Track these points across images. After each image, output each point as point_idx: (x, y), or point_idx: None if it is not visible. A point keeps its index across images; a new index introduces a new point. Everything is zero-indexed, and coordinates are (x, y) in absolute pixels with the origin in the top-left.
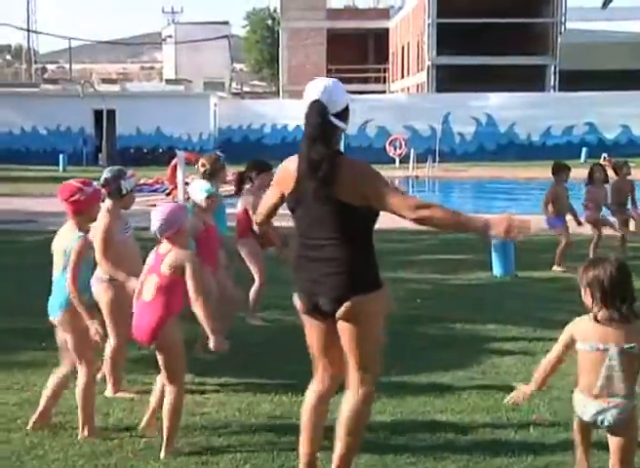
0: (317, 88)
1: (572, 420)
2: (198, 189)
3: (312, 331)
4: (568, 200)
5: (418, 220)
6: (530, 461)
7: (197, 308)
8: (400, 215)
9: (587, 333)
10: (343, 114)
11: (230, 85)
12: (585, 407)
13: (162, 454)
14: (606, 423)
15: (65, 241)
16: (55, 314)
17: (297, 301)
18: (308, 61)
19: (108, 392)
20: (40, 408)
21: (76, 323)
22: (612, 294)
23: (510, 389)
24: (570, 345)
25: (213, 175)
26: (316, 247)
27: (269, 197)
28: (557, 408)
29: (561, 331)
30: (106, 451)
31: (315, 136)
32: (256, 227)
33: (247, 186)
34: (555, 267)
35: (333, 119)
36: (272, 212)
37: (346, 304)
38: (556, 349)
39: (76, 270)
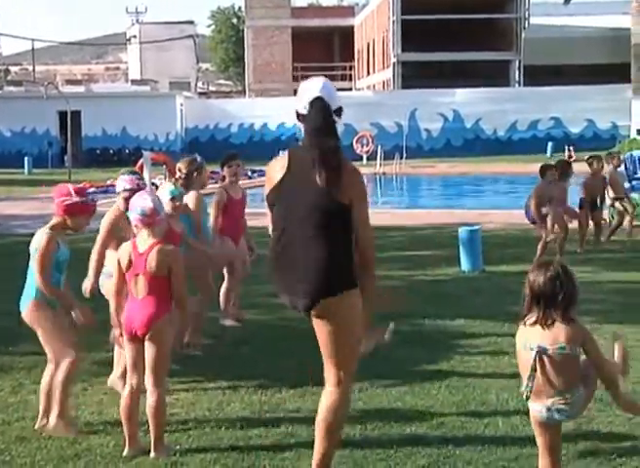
0: (316, 86)
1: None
2: (164, 193)
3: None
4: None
5: (368, 252)
6: (499, 454)
7: (181, 305)
8: (362, 236)
9: (521, 336)
10: (339, 111)
11: (196, 84)
12: (533, 408)
13: (152, 455)
14: (556, 419)
15: (35, 239)
16: (23, 310)
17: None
18: (274, 60)
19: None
20: (41, 407)
21: (42, 317)
22: (541, 298)
23: (480, 384)
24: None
25: (188, 178)
26: (298, 244)
27: (269, 208)
28: (524, 401)
29: None
30: (74, 455)
31: (325, 129)
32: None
33: (217, 184)
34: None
35: (333, 115)
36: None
37: (323, 302)
38: None
39: (43, 264)
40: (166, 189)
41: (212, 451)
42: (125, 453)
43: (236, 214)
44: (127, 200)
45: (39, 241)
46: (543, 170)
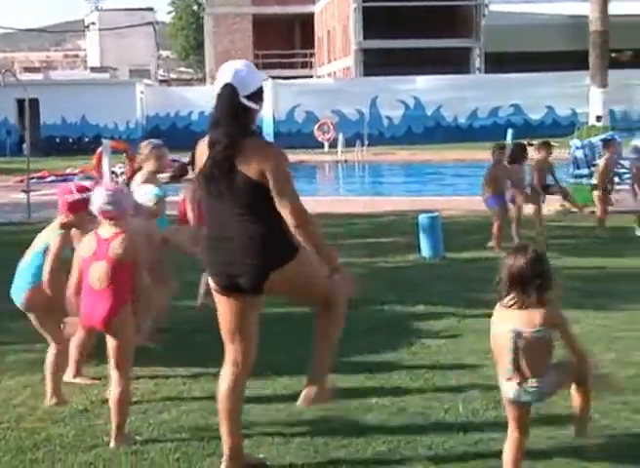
0: (228, 71)
1: (500, 399)
2: (147, 193)
3: (228, 310)
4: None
5: (292, 221)
6: (460, 439)
7: (145, 295)
8: (282, 208)
9: (497, 318)
10: (256, 96)
11: (157, 72)
12: (504, 388)
13: (112, 444)
14: (525, 401)
15: (44, 236)
16: (19, 299)
17: (211, 282)
18: (234, 47)
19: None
20: (48, 387)
21: (38, 304)
22: (514, 282)
23: (441, 369)
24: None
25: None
26: (228, 225)
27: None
28: (487, 386)
29: (489, 310)
30: (33, 446)
31: (221, 117)
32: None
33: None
34: (491, 243)
35: (244, 100)
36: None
37: (269, 280)
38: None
39: (54, 265)
40: (150, 191)
41: (172, 440)
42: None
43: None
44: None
45: (52, 240)
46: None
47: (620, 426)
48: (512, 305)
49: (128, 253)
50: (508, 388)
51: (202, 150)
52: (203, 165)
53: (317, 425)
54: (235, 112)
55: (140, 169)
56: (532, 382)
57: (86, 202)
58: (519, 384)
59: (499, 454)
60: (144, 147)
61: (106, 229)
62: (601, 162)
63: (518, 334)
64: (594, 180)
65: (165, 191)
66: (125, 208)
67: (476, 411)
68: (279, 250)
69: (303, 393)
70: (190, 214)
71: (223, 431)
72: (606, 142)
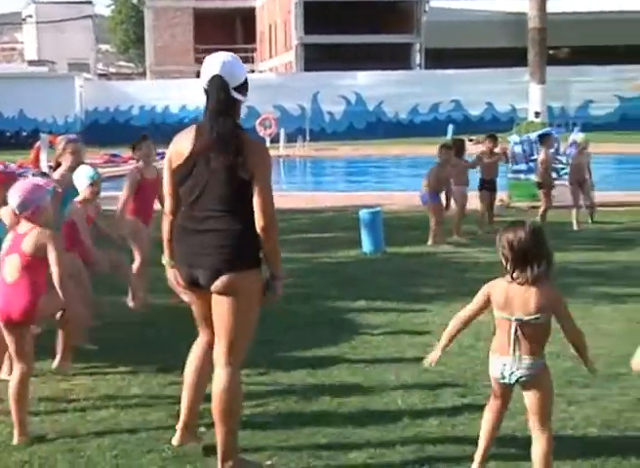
0: (216, 63)
1: (438, 391)
2: (82, 176)
3: (195, 301)
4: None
5: (262, 220)
6: (399, 433)
7: (60, 289)
8: (257, 205)
9: (501, 299)
10: (243, 87)
11: (96, 66)
12: (498, 364)
13: (15, 440)
14: (515, 378)
15: None
16: None
17: (177, 274)
18: (175, 42)
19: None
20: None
21: None
22: (519, 257)
23: (380, 363)
24: (484, 307)
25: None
26: (204, 219)
27: (167, 183)
28: (426, 380)
29: (429, 305)
30: None
31: (221, 111)
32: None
33: (131, 166)
34: (430, 242)
35: (234, 93)
36: (177, 196)
37: (223, 279)
38: (470, 309)
39: None
40: (84, 173)
41: (110, 437)
42: (15, 442)
43: (149, 195)
44: None
45: None
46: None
47: (557, 417)
48: (519, 281)
49: (39, 247)
50: (503, 363)
51: (183, 143)
52: (187, 158)
53: (256, 420)
54: (228, 105)
55: (59, 165)
56: (527, 359)
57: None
58: (506, 363)
59: (437, 446)
60: (59, 142)
61: (23, 225)
62: (540, 157)
63: (520, 321)
64: (537, 178)
65: (99, 174)
66: (38, 204)
67: (414, 405)
68: (244, 252)
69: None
70: (121, 206)
71: (184, 403)
72: (542, 137)
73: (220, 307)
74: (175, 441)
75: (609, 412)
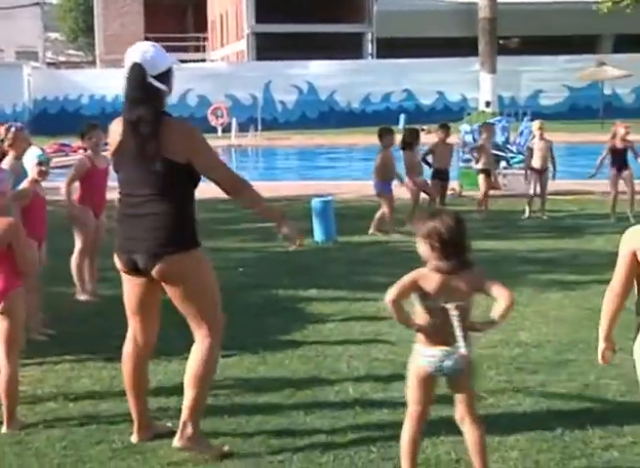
0: (136, 51)
1: (389, 380)
2: (30, 157)
3: (131, 289)
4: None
5: (230, 191)
6: (349, 421)
7: (26, 279)
8: (214, 181)
9: (431, 287)
10: (165, 77)
11: (44, 54)
12: (428, 355)
13: (4, 430)
14: (449, 369)
15: None
16: None
17: (116, 260)
18: (125, 30)
19: None
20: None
21: None
22: (449, 245)
23: (332, 352)
24: (410, 290)
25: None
26: (138, 204)
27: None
28: (377, 368)
29: (380, 293)
30: None
31: (134, 98)
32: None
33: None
34: (371, 230)
35: (153, 81)
36: None
37: (162, 261)
38: (398, 289)
39: None
40: (32, 154)
41: (59, 428)
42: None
43: (99, 185)
44: None
45: None
46: (380, 134)
47: (505, 404)
48: (448, 269)
49: (1, 239)
50: (434, 354)
51: (116, 131)
52: (118, 145)
53: (209, 407)
54: (146, 92)
55: (4, 154)
56: (459, 347)
57: None
58: (447, 349)
59: (388, 434)
60: (3, 132)
61: None
62: (478, 144)
63: (459, 307)
64: (479, 165)
65: (47, 156)
66: None
67: (365, 393)
68: (179, 236)
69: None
70: (66, 188)
71: (131, 405)
72: (482, 126)
73: (173, 293)
74: (133, 438)
75: (556, 398)
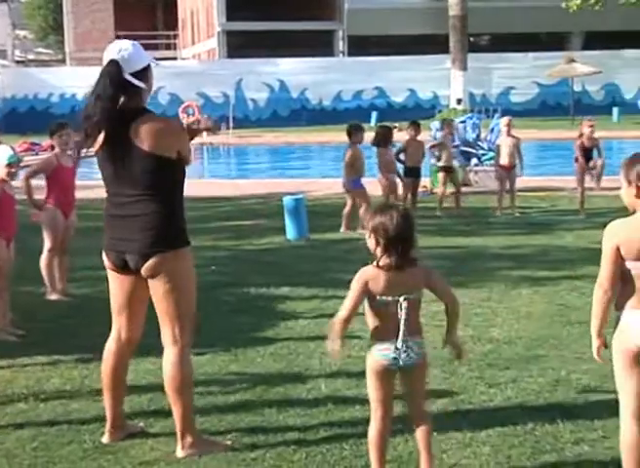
0: (114, 49)
1: (361, 377)
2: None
3: (118, 287)
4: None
5: None
6: (322, 418)
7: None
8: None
9: (378, 285)
10: (142, 74)
11: (14, 53)
12: (382, 349)
13: None
14: (404, 360)
15: None
16: None
17: (104, 259)
18: (95, 28)
19: None
20: None
21: None
22: (395, 241)
23: (304, 350)
24: (363, 299)
25: None
26: (127, 204)
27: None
28: (350, 365)
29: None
30: None
31: (107, 95)
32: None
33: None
34: (342, 229)
35: (129, 77)
36: None
37: (152, 260)
38: (350, 306)
39: None
40: (3, 154)
41: (30, 428)
42: None
43: (66, 184)
44: None
45: None
46: (349, 131)
47: (477, 400)
48: (390, 266)
49: None
50: (389, 348)
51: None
52: (102, 143)
53: None
54: (120, 88)
55: None
56: (414, 340)
57: None
58: (400, 348)
59: (361, 431)
60: None
61: None
62: (438, 141)
63: (406, 300)
64: (440, 163)
65: (18, 157)
66: None
67: (338, 390)
68: (169, 233)
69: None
70: (24, 179)
71: (107, 404)
72: (443, 122)
73: (155, 290)
74: (105, 439)
75: (528, 394)
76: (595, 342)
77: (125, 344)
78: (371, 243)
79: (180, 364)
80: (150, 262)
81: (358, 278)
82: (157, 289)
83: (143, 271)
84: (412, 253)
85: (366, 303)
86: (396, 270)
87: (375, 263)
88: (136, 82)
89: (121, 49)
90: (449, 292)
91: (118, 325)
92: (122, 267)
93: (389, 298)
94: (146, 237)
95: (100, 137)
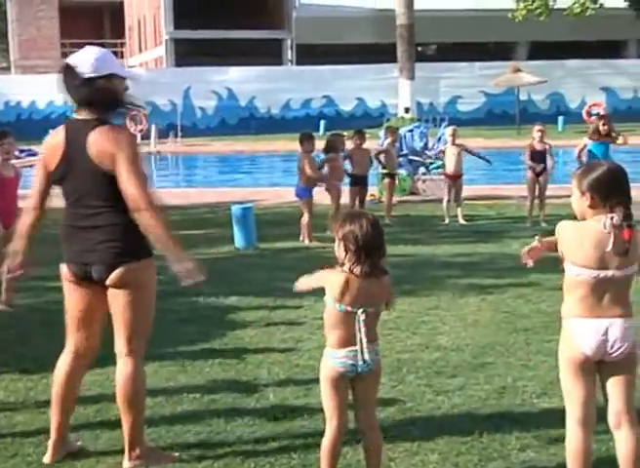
0: (80, 55)
1: (310, 386)
2: None
3: (78, 299)
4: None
5: (138, 213)
6: (270, 428)
7: None
8: (126, 195)
9: (338, 290)
10: (107, 82)
11: None
12: (339, 356)
13: None
14: (361, 367)
15: None
16: None
17: (64, 270)
18: (40, 35)
19: None
20: None
21: None
22: (365, 249)
23: (252, 359)
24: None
25: None
26: (88, 216)
27: (38, 179)
28: (297, 375)
29: (301, 300)
30: None
31: (79, 101)
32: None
33: None
34: (307, 242)
35: (91, 84)
36: (45, 193)
37: (118, 271)
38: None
39: None
40: None
41: None
42: None
43: (8, 194)
44: None
45: None
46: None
47: (425, 408)
48: (362, 273)
49: None
50: (346, 355)
51: (53, 142)
52: (62, 155)
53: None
54: (84, 94)
55: None
56: (372, 345)
57: None
58: (359, 355)
59: (309, 440)
60: None
61: None
62: (383, 148)
63: (365, 313)
64: (385, 170)
65: None
66: None
67: (286, 399)
68: (133, 244)
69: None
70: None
71: (54, 419)
72: (387, 129)
73: (117, 300)
74: (46, 459)
75: (475, 401)
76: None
77: (81, 357)
78: (339, 251)
79: (135, 375)
80: (116, 273)
81: (321, 276)
82: (119, 299)
83: (109, 282)
84: (381, 261)
85: (326, 309)
86: (364, 279)
87: (343, 269)
88: (97, 88)
89: (87, 54)
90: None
91: (75, 337)
92: (83, 279)
93: (349, 308)
94: (111, 248)
95: (60, 149)
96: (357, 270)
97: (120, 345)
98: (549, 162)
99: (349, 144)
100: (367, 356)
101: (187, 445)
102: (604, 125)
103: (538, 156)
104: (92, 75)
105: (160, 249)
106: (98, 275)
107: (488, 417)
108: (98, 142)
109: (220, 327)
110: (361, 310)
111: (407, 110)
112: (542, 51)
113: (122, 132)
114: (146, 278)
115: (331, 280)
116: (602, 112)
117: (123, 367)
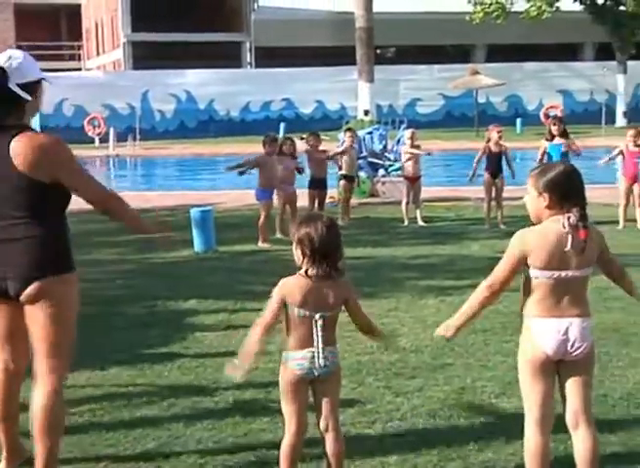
0: (2, 57)
1: (269, 388)
2: None
3: None
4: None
5: (100, 206)
6: (230, 431)
7: None
8: (82, 197)
9: (300, 297)
10: (32, 87)
11: None
12: (297, 358)
13: None
14: (319, 369)
15: None
16: None
17: None
18: None
19: None
20: None
21: None
22: (321, 252)
23: (212, 363)
24: (280, 309)
25: None
26: (6, 227)
27: None
28: (258, 377)
29: (261, 302)
30: None
31: None
32: None
33: None
34: (261, 243)
35: (14, 87)
36: None
37: (33, 286)
38: (269, 316)
39: None
40: None
41: None
42: None
43: None
44: None
45: None
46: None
47: (384, 409)
48: (315, 276)
49: None
50: (305, 356)
51: None
52: None
53: (82, 425)
54: (5, 99)
55: None
56: (328, 353)
57: None
58: (315, 357)
59: (270, 444)
60: None
61: None
62: (341, 150)
63: (322, 318)
64: (342, 171)
65: None
66: None
67: (246, 402)
68: (52, 257)
69: None
70: None
71: (2, 435)
72: (346, 131)
73: (34, 317)
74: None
75: (434, 402)
76: (450, 330)
77: (13, 373)
78: (297, 254)
79: (52, 403)
80: (31, 288)
81: (278, 290)
82: (36, 315)
83: (23, 297)
84: (339, 263)
85: (284, 312)
86: (322, 281)
87: (301, 272)
88: (21, 93)
89: (10, 57)
90: (364, 318)
91: (3, 355)
92: (1, 294)
93: (307, 313)
94: (30, 261)
95: None
96: (313, 273)
97: (39, 364)
98: (510, 167)
99: (304, 146)
100: (322, 361)
101: (146, 450)
102: (554, 125)
103: (494, 158)
104: (22, 81)
105: (134, 227)
106: (13, 290)
107: (447, 418)
108: (21, 149)
109: (179, 330)
110: (319, 315)
111: (366, 113)
112: (500, 53)
113: (49, 138)
114: (65, 293)
115: (289, 284)
116: (559, 114)
117: (39, 392)
